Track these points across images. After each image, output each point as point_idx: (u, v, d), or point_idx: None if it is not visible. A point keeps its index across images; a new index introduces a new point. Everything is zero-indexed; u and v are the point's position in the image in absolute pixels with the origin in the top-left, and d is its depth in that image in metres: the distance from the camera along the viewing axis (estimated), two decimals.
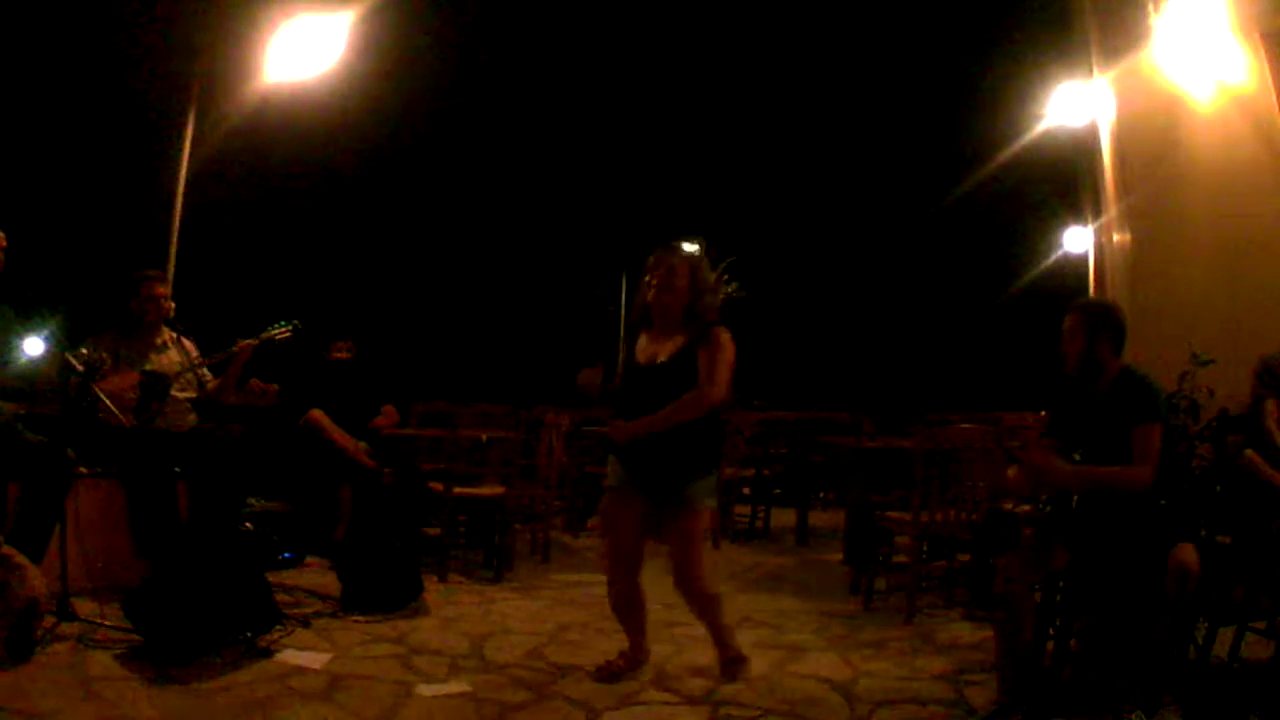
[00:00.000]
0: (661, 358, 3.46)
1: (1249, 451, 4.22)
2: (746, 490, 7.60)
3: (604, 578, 3.62)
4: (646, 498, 3.45)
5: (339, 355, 5.66)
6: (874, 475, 5.57)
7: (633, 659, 3.60)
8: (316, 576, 4.90)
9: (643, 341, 3.56)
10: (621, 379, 3.65)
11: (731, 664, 3.57)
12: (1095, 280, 7.61)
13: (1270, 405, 4.30)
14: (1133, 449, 3.11)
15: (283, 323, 4.86)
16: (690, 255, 3.51)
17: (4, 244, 3.93)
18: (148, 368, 4.63)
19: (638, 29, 15.61)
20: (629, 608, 3.60)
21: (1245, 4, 5.65)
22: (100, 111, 11.31)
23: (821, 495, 8.69)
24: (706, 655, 3.82)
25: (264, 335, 4.80)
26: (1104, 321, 3.30)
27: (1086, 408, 3.30)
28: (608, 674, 3.51)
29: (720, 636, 3.61)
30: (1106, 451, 3.20)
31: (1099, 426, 3.24)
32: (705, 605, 3.56)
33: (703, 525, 3.53)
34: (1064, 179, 9.60)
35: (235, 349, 4.71)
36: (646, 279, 3.50)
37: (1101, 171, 6.46)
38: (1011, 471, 3.56)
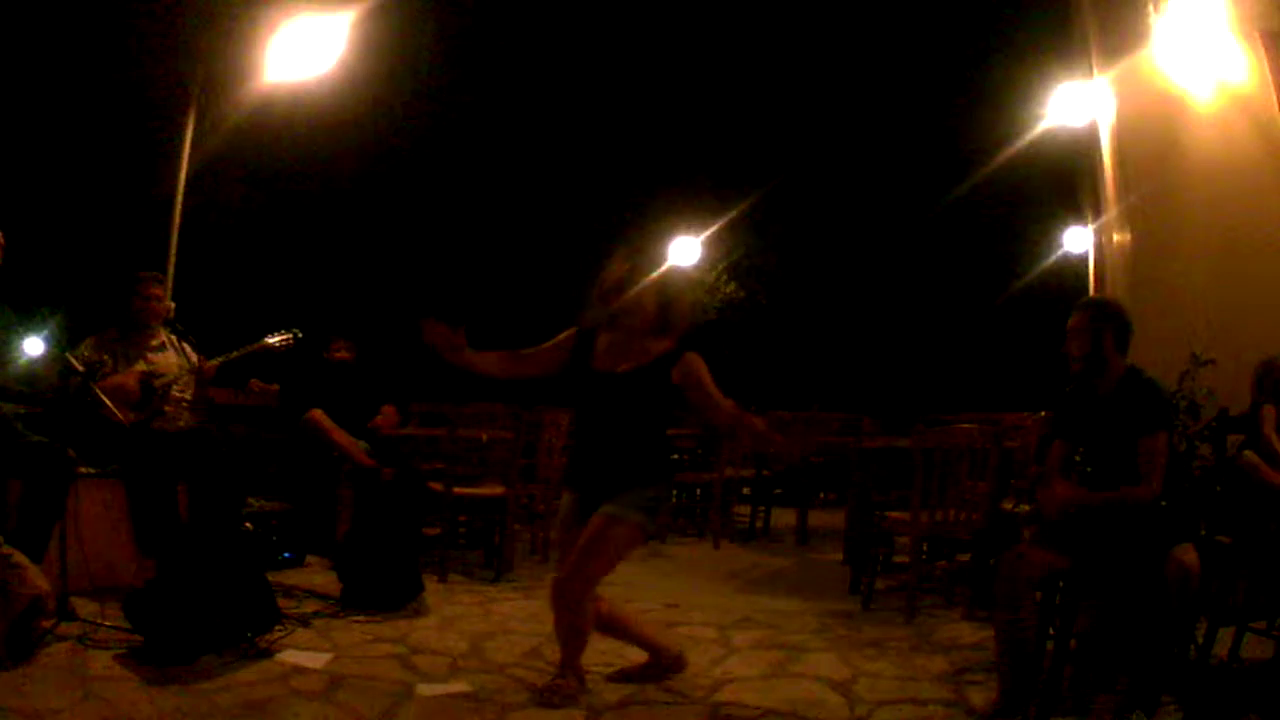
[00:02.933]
0: (623, 368, 3.25)
1: (1248, 452, 4.22)
2: (746, 490, 7.61)
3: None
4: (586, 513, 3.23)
5: (339, 355, 5.66)
6: (874, 475, 5.57)
7: (656, 664, 3.43)
8: (316, 576, 4.90)
9: (602, 343, 3.31)
10: (571, 378, 3.33)
11: (555, 690, 3.22)
12: (1095, 280, 7.61)
13: (1268, 411, 4.30)
14: (1139, 460, 3.10)
15: (283, 330, 4.90)
16: (656, 261, 3.30)
17: (2, 242, 3.92)
18: (145, 367, 4.63)
19: (639, 29, 15.62)
20: (612, 628, 3.41)
21: (1245, 4, 5.65)
22: (101, 112, 11.32)
23: (821, 495, 8.70)
24: (706, 655, 3.82)
25: (263, 343, 4.84)
26: (1110, 319, 3.29)
27: (1091, 407, 3.30)
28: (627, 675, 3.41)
29: (570, 658, 3.28)
30: (1109, 451, 3.20)
31: (1103, 426, 3.24)
32: (575, 615, 3.23)
33: (618, 539, 3.17)
34: (1064, 179, 9.60)
35: (234, 355, 4.75)
36: (610, 284, 3.26)
37: (1101, 171, 6.46)
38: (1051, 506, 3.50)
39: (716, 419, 3.37)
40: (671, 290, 3.28)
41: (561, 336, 3.39)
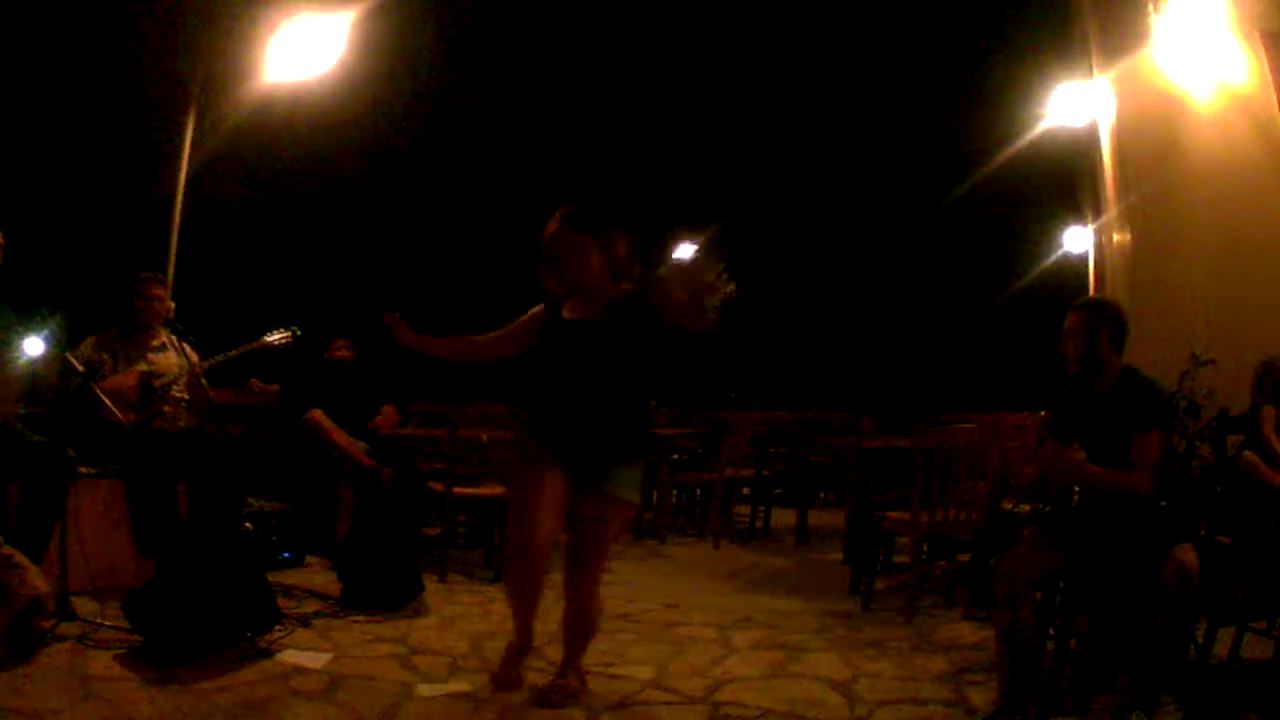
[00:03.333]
0: (595, 316, 3.13)
1: (1248, 453, 4.22)
2: (746, 490, 7.61)
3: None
4: (565, 477, 3.08)
5: (339, 354, 5.66)
6: (874, 475, 5.57)
7: (521, 649, 3.29)
8: (316, 576, 4.90)
9: (568, 306, 3.19)
10: (544, 340, 3.19)
11: (558, 690, 3.18)
12: (1095, 280, 7.61)
13: (1268, 411, 4.30)
14: (1131, 454, 3.11)
15: (282, 329, 4.90)
16: (593, 221, 3.12)
17: (2, 242, 3.92)
18: (146, 368, 4.63)
19: (639, 29, 15.61)
20: (529, 589, 3.16)
21: (1245, 4, 5.65)
22: (101, 111, 11.31)
23: (821, 495, 8.70)
24: (706, 655, 3.82)
25: (262, 341, 4.85)
26: (1106, 319, 3.30)
27: (1088, 407, 3.30)
28: (504, 682, 3.23)
29: (573, 657, 3.26)
30: (1107, 451, 3.21)
31: (1100, 426, 3.24)
32: (586, 614, 3.19)
33: (618, 522, 3.16)
34: (1064, 179, 9.60)
35: (233, 353, 4.75)
36: (549, 257, 3.12)
37: (1101, 171, 6.45)
38: (1028, 469, 3.52)
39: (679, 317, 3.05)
40: (613, 239, 3.15)
41: (530, 312, 3.30)
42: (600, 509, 3.09)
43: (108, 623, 3.63)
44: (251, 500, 5.12)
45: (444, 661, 3.67)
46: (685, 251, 15.29)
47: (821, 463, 7.75)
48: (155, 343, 4.80)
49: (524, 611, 3.24)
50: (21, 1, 10.11)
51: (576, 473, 3.08)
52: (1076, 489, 3.40)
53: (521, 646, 3.31)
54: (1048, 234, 13.36)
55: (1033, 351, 5.17)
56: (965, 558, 4.92)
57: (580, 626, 3.24)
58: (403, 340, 3.27)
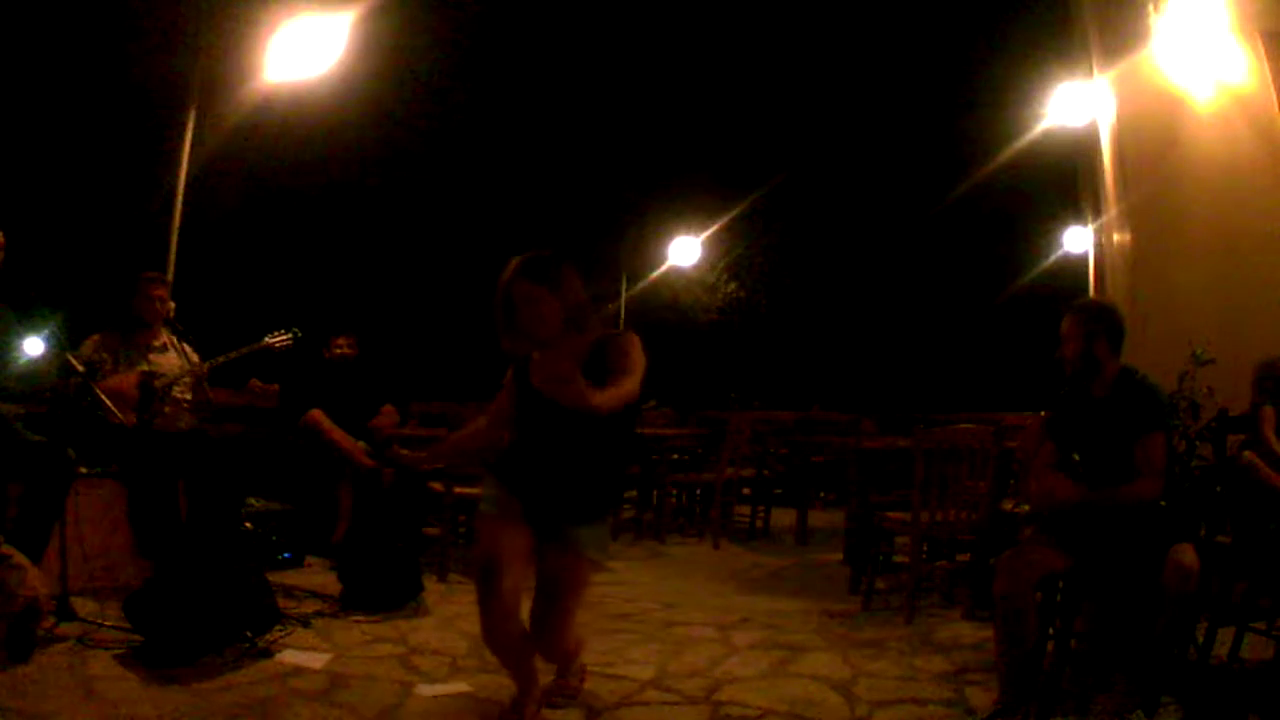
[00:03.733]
0: None
1: (1248, 452, 4.22)
2: (746, 490, 7.61)
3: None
4: (530, 528, 3.00)
5: (340, 351, 5.65)
6: (874, 475, 5.57)
7: (524, 695, 3.08)
8: (316, 576, 4.90)
9: (535, 363, 2.95)
10: (519, 405, 3.12)
11: (558, 690, 3.21)
12: (1095, 280, 7.61)
13: (1268, 411, 4.30)
14: (1137, 461, 3.10)
15: (282, 330, 4.91)
16: (546, 272, 2.97)
17: (2, 242, 3.93)
18: (147, 368, 4.63)
19: (640, 28, 15.61)
20: (513, 644, 3.01)
21: (1245, 4, 5.65)
22: (101, 111, 11.32)
23: (821, 495, 8.70)
24: (706, 655, 3.82)
25: (263, 342, 4.86)
26: (1102, 321, 3.29)
27: (1086, 410, 3.30)
28: None
29: (563, 671, 3.26)
30: (1106, 454, 3.20)
31: (1099, 429, 3.24)
32: (555, 650, 3.12)
33: (584, 577, 3.05)
34: (1064, 179, 9.61)
35: (233, 354, 4.76)
36: (505, 311, 3.01)
37: (1101, 171, 6.46)
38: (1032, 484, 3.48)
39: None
40: (569, 294, 3.00)
41: (506, 378, 3.22)
42: (564, 562, 3.01)
43: (108, 623, 3.63)
44: (251, 500, 5.13)
45: (444, 661, 3.67)
46: (685, 251, 15.31)
47: (821, 463, 7.74)
48: (156, 343, 4.80)
49: (514, 664, 3.08)
50: (22, 1, 10.11)
51: (541, 525, 3.00)
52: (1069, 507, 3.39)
53: (523, 693, 3.09)
54: (1048, 234, 13.38)
55: (1032, 352, 5.18)
56: (965, 558, 4.92)
57: (558, 656, 3.16)
58: (427, 463, 3.21)
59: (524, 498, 3.03)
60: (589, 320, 3.06)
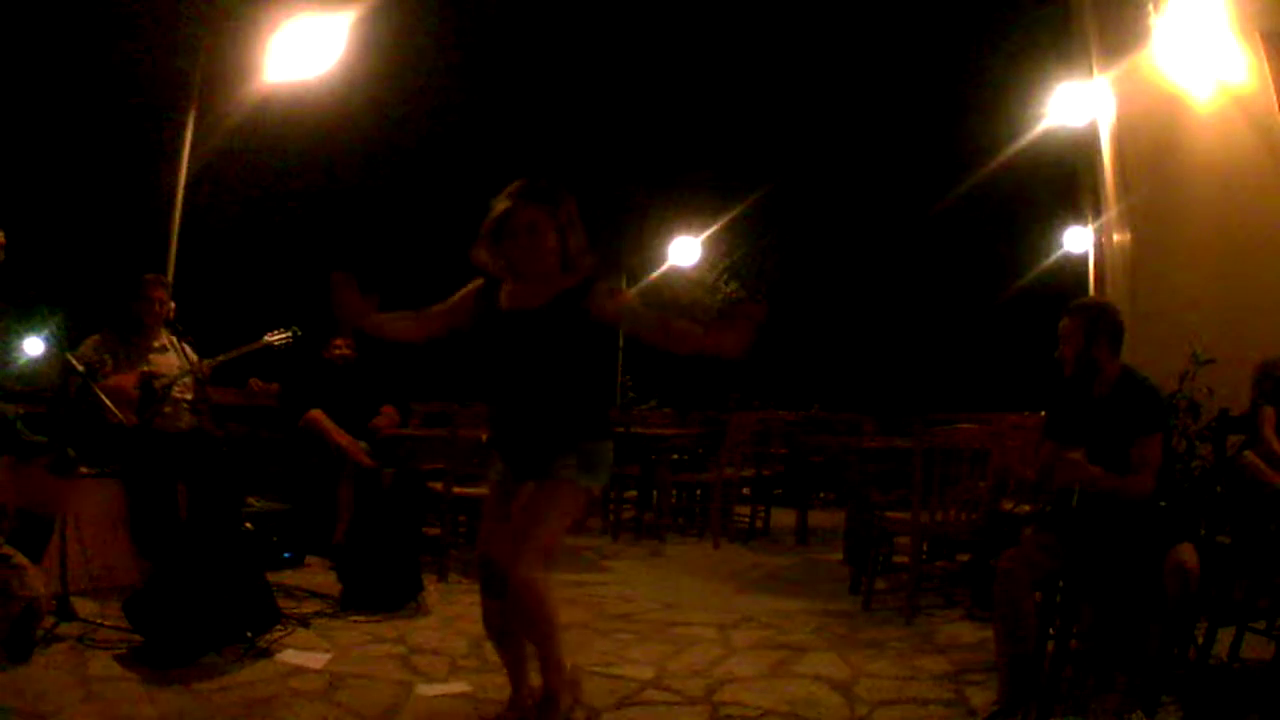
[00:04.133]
0: (535, 305, 2.85)
1: (1248, 453, 4.22)
2: (746, 490, 7.61)
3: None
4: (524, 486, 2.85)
5: (339, 352, 5.65)
6: (874, 475, 5.56)
7: (519, 703, 2.96)
8: (316, 576, 4.90)
9: (506, 290, 2.93)
10: (477, 330, 2.95)
11: (547, 702, 2.85)
12: (1095, 280, 7.61)
13: (1268, 412, 4.30)
14: (1134, 460, 3.11)
15: (282, 329, 4.92)
16: (549, 198, 2.86)
17: (3, 241, 3.92)
18: (147, 368, 4.64)
19: (640, 28, 15.61)
20: (508, 633, 2.92)
21: (1245, 4, 5.65)
22: (101, 111, 11.32)
23: (821, 495, 8.69)
24: (706, 655, 3.82)
25: (263, 341, 4.86)
26: (1101, 322, 3.29)
27: (1086, 410, 3.30)
28: None
29: (547, 659, 2.84)
30: (1106, 454, 3.20)
31: (1099, 429, 3.24)
32: (524, 608, 2.73)
33: (564, 503, 2.80)
34: (1064, 179, 9.62)
35: (233, 353, 4.76)
36: (496, 230, 2.87)
37: (1101, 171, 6.46)
38: (1028, 471, 3.48)
39: (678, 343, 2.78)
40: (570, 222, 2.89)
41: (468, 287, 3.06)
42: (534, 486, 2.81)
43: (108, 623, 3.63)
44: (251, 500, 5.13)
45: (444, 661, 3.67)
46: (685, 251, 15.31)
47: (821, 463, 7.74)
48: (156, 344, 4.81)
49: (510, 662, 2.99)
50: (22, 1, 10.11)
51: (523, 469, 2.86)
52: (1076, 488, 3.40)
53: (515, 701, 2.98)
54: (1048, 234, 13.37)
55: (1033, 352, 5.17)
56: (965, 558, 4.91)
57: (531, 617, 2.76)
58: (346, 303, 3.01)
59: (507, 444, 2.90)
60: (583, 266, 2.90)
